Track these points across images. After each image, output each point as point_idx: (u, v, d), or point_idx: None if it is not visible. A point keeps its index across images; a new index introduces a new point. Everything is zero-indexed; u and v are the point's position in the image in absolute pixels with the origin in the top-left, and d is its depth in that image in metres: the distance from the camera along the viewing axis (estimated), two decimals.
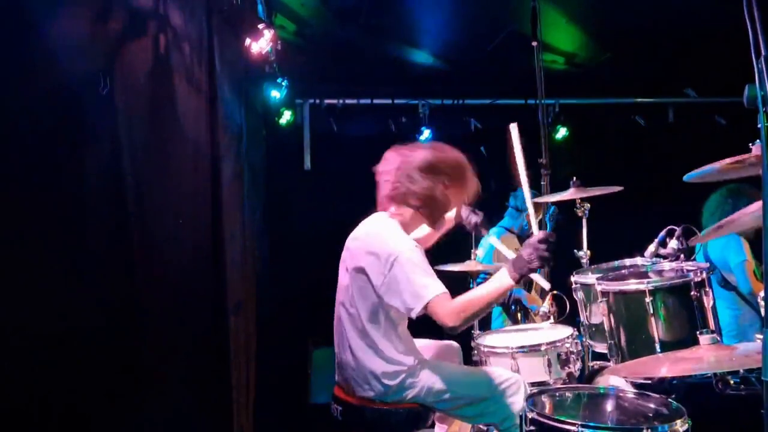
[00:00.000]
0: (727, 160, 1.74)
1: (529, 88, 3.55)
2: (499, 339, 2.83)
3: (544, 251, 2.12)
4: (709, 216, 3.55)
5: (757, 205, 1.85)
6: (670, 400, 1.90)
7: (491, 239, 3.16)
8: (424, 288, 2.18)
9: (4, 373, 1.53)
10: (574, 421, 1.77)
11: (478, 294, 2.21)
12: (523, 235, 4.25)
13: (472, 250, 3.20)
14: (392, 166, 2.38)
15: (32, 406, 1.62)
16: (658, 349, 2.24)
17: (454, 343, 2.74)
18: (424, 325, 2.53)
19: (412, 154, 2.37)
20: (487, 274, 3.93)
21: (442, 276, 2.63)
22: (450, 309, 2.16)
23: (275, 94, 4.67)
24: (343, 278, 2.42)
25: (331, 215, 4.82)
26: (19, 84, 1.62)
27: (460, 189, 2.44)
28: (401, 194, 2.35)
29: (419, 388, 2.31)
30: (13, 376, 1.55)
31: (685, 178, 1.90)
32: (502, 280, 2.18)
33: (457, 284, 3.25)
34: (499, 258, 4.03)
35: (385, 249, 2.25)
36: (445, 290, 2.19)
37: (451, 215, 2.66)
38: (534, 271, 2.20)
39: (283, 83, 4.55)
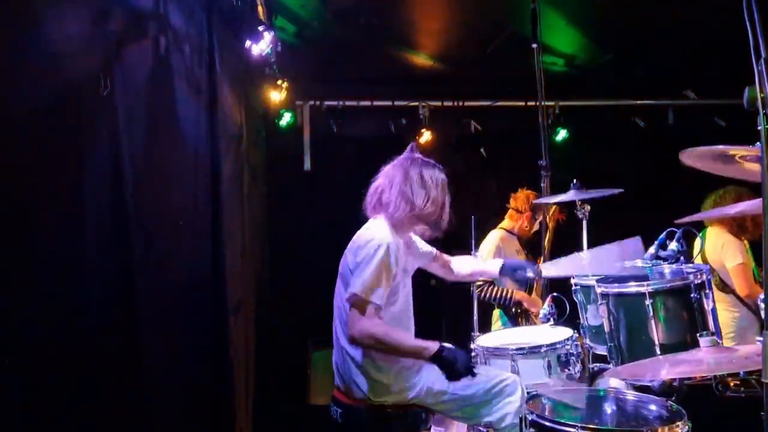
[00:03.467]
0: (731, 148, 1.73)
1: (529, 89, 3.55)
2: (499, 340, 2.83)
3: (458, 368, 2.26)
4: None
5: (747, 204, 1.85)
6: (669, 402, 1.90)
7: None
8: (352, 284, 2.24)
9: (3, 375, 1.53)
10: (573, 423, 1.77)
11: (399, 338, 2.29)
12: (523, 237, 4.25)
13: (472, 252, 3.20)
14: (390, 181, 2.44)
15: (32, 408, 1.62)
16: (658, 352, 2.24)
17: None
18: (423, 326, 2.53)
19: (402, 169, 2.45)
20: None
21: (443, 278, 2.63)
22: (368, 324, 2.22)
23: (275, 96, 4.67)
24: (340, 280, 2.44)
25: (331, 216, 4.82)
26: (19, 84, 1.62)
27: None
28: (397, 205, 2.41)
29: (419, 388, 2.31)
30: (13, 379, 1.55)
31: (681, 154, 1.88)
32: (425, 349, 2.27)
33: (456, 286, 3.26)
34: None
35: (362, 243, 2.34)
36: (379, 306, 2.24)
37: None
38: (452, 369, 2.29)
39: (283, 85, 4.55)
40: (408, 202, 2.39)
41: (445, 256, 2.78)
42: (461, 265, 2.83)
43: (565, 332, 2.73)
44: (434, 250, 2.71)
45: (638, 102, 5.73)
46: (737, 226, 3.45)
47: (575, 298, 2.74)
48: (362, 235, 2.42)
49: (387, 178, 2.46)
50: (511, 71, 4.60)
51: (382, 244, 2.28)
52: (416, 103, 5.49)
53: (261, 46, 3.47)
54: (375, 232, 2.36)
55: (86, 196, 1.90)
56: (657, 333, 2.25)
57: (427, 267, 2.72)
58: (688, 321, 2.25)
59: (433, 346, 2.28)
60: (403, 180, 2.41)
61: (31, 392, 1.61)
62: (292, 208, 5.16)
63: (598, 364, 2.76)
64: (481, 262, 2.96)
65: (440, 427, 2.65)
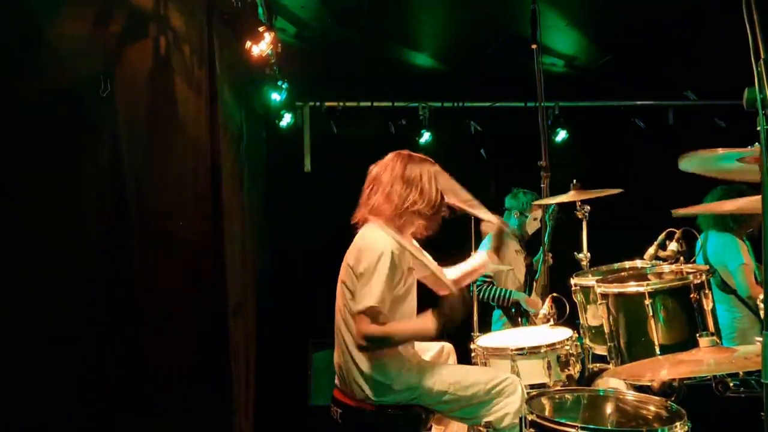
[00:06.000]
0: (721, 149, 1.74)
1: (528, 90, 3.56)
2: (499, 341, 2.83)
3: (459, 312, 2.28)
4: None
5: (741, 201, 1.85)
6: (669, 402, 1.90)
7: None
8: (362, 296, 2.25)
9: (2, 375, 1.53)
10: (573, 424, 1.77)
11: (398, 328, 2.31)
12: (523, 237, 4.25)
13: (472, 252, 3.20)
14: (377, 183, 2.46)
15: (31, 409, 1.62)
16: (658, 352, 2.24)
17: (448, 344, 2.74)
18: None
19: (388, 168, 2.46)
20: (487, 277, 3.94)
21: None
22: (365, 329, 2.23)
23: (275, 97, 4.67)
24: (341, 281, 2.44)
25: (331, 217, 4.81)
26: (20, 85, 1.63)
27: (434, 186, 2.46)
28: (389, 207, 2.42)
29: (419, 389, 2.32)
30: (12, 378, 1.55)
31: (681, 166, 1.89)
32: (425, 326, 2.27)
33: None
34: (499, 260, 4.03)
35: (364, 248, 2.33)
36: (374, 305, 2.23)
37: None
38: (454, 324, 2.29)
39: (284, 86, 4.56)
40: (395, 201, 2.39)
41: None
42: (451, 273, 2.80)
43: (564, 332, 2.73)
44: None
45: (638, 103, 5.74)
46: (734, 222, 3.45)
47: (575, 299, 2.74)
48: (362, 241, 2.38)
49: (375, 182, 2.47)
50: (511, 72, 4.60)
51: (384, 251, 2.27)
52: (416, 104, 5.50)
53: (261, 46, 3.48)
54: (374, 239, 2.34)
55: (86, 197, 1.91)
56: (657, 333, 2.25)
57: (423, 280, 2.67)
58: (688, 321, 2.25)
59: (429, 319, 2.27)
60: (390, 180, 2.42)
61: (29, 392, 1.61)
62: (292, 209, 5.17)
63: (597, 365, 2.76)
64: (467, 262, 2.91)
65: (440, 425, 2.65)
